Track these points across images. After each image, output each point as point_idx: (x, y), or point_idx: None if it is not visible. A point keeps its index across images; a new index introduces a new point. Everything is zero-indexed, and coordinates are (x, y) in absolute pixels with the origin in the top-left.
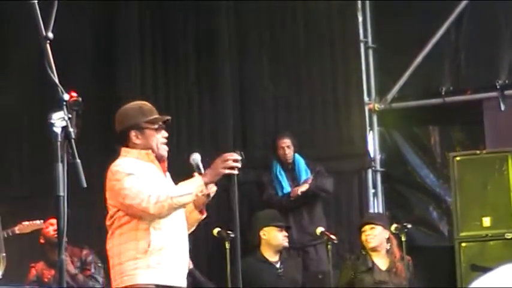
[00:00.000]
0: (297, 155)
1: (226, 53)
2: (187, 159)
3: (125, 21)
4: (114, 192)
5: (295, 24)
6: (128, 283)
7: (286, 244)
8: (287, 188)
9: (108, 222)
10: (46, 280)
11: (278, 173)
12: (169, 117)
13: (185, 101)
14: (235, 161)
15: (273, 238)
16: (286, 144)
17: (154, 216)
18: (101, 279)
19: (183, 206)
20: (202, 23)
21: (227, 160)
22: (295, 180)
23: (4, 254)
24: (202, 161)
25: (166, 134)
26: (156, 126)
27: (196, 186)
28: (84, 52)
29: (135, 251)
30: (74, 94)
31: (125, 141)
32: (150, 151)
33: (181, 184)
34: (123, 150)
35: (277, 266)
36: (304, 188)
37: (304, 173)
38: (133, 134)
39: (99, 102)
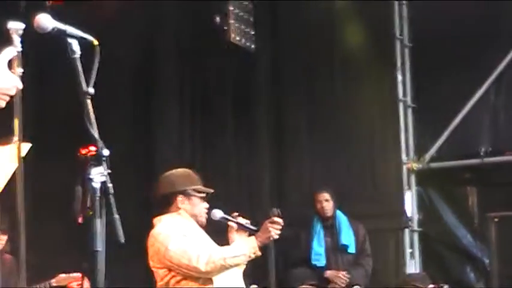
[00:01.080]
0: (339, 212)
1: (263, 113)
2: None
3: (164, 74)
4: (159, 256)
5: (333, 80)
6: None
7: None
8: (321, 251)
9: (161, 283)
10: None
11: (317, 230)
12: (213, 191)
13: (222, 156)
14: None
15: None
16: (325, 198)
17: (206, 274)
18: None
19: (235, 266)
20: (239, 76)
21: (277, 224)
22: (334, 236)
23: None
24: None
25: (207, 205)
26: (203, 195)
27: (250, 248)
28: (122, 104)
29: None
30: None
31: (169, 205)
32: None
33: (235, 245)
34: (166, 214)
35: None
36: None
37: (346, 231)
38: (180, 198)
39: (136, 159)
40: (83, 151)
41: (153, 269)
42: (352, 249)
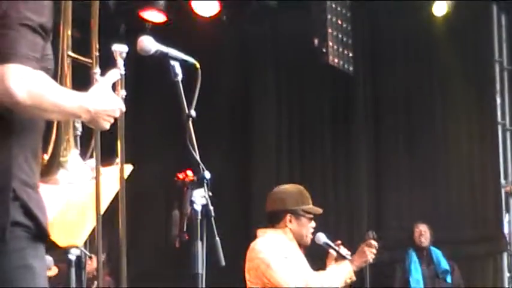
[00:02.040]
0: (433, 248)
1: (361, 136)
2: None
3: (262, 96)
4: (258, 272)
5: (432, 102)
6: None
7: None
8: (419, 277)
9: None
10: None
11: (413, 260)
12: (322, 211)
13: (320, 180)
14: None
15: None
16: (424, 229)
17: None
18: None
19: None
20: (338, 99)
21: (373, 247)
22: (430, 266)
23: None
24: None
25: (314, 225)
26: (311, 216)
27: (346, 274)
28: (220, 127)
29: None
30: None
31: (277, 222)
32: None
33: (331, 270)
34: (272, 230)
35: None
36: None
37: (443, 261)
38: (289, 217)
39: (234, 183)
40: (180, 175)
41: (247, 282)
42: (449, 279)
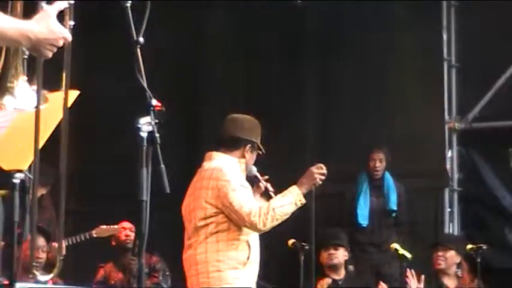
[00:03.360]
0: (387, 174)
1: (310, 62)
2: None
3: (211, 24)
4: (221, 193)
5: (379, 35)
6: None
7: (331, 263)
8: (366, 213)
9: (200, 223)
10: (112, 282)
11: (363, 189)
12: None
13: (265, 107)
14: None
15: (321, 257)
16: (379, 158)
17: (259, 229)
18: None
19: (285, 216)
20: (289, 24)
21: (321, 169)
22: (380, 198)
23: (62, 258)
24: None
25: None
26: (260, 153)
27: (295, 196)
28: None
29: (235, 261)
30: (159, 104)
31: (234, 148)
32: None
33: (280, 195)
34: (228, 155)
35: (339, 283)
36: None
37: (394, 196)
38: (248, 148)
39: (179, 106)
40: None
41: (199, 201)
42: (395, 214)
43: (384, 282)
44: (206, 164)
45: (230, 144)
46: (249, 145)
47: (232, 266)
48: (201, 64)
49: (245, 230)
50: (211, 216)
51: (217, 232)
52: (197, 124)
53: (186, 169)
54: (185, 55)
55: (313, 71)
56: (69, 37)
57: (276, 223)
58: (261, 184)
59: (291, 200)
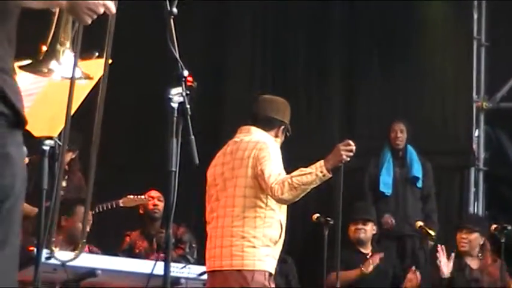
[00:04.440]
0: (410, 147)
1: (337, 45)
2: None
3: (237, 11)
4: (259, 162)
5: (407, 18)
6: (260, 267)
7: (359, 237)
8: (389, 181)
9: (239, 192)
10: (137, 251)
11: (387, 159)
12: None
13: (293, 91)
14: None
15: (349, 231)
16: (400, 128)
17: (277, 196)
18: (192, 260)
19: (305, 186)
20: (315, 12)
21: (349, 145)
22: (403, 169)
23: (85, 241)
24: None
25: None
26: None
27: (318, 167)
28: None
29: (268, 238)
30: (190, 78)
31: (268, 128)
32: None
33: (303, 169)
34: (267, 133)
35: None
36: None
37: (417, 165)
38: (281, 130)
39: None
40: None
41: (242, 170)
42: (420, 184)
43: (410, 261)
44: (243, 136)
45: (265, 123)
46: (283, 126)
47: (265, 243)
48: (229, 42)
49: (279, 209)
50: (251, 187)
51: (255, 207)
52: (221, 102)
53: (211, 142)
54: (212, 33)
55: (340, 49)
56: (112, 7)
57: (295, 193)
58: None
59: (311, 170)
